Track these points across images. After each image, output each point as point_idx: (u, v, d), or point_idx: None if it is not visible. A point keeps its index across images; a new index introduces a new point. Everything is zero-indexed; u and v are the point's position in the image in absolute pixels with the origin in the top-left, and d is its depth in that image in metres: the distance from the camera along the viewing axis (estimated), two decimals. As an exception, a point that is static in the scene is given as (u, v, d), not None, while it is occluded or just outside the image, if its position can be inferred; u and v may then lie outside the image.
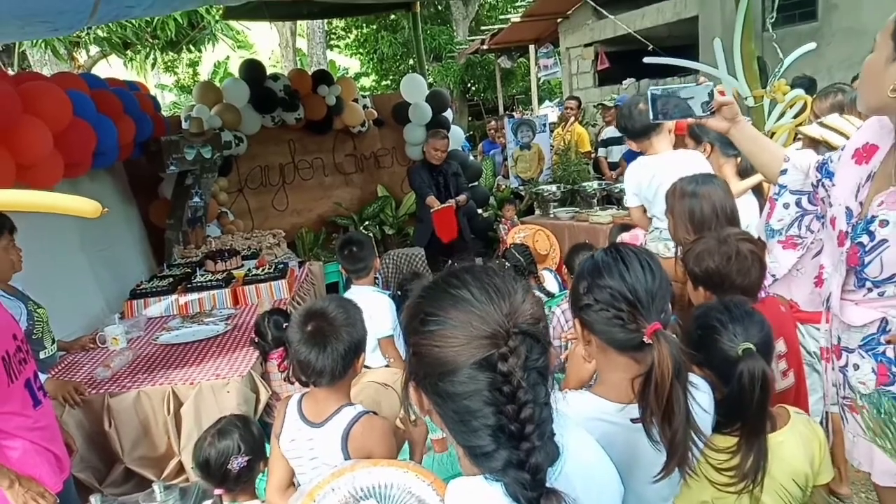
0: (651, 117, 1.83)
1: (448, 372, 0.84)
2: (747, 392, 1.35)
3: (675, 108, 1.78)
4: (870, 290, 1.55)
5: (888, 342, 1.54)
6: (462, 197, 5.55)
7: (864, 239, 1.52)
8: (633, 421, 1.17)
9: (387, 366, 2.90)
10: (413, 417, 1.96)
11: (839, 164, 1.65)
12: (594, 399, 1.27)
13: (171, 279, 4.10)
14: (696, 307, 1.62)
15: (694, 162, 2.66)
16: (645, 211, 2.92)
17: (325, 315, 1.69)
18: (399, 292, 4.00)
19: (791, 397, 1.76)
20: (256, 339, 3.06)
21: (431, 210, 5.32)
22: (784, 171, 1.79)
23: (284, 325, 2.93)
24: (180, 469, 2.75)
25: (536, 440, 0.83)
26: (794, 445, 1.49)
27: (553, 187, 5.74)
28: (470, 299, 0.86)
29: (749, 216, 2.60)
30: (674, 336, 1.13)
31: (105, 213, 1.67)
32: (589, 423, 1.17)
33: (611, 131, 6.68)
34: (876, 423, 1.23)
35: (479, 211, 6.63)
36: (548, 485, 0.84)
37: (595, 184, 5.57)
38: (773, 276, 1.85)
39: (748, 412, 1.38)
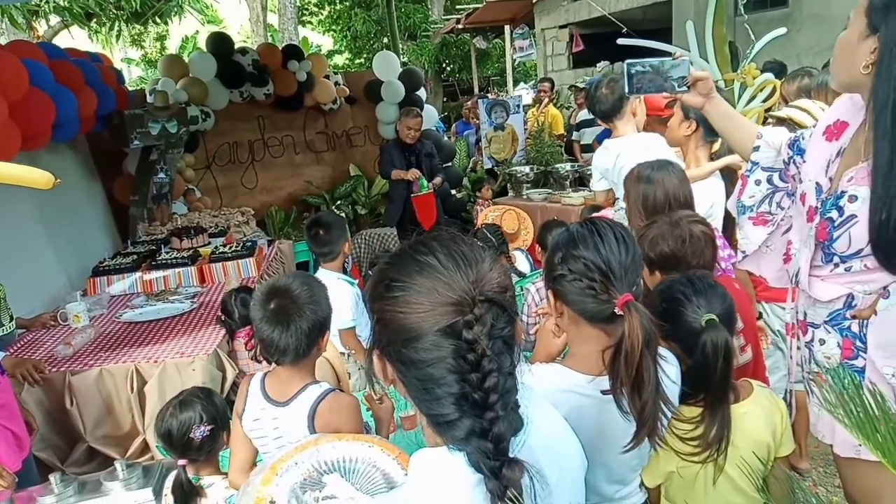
0: (626, 91, 1.82)
1: (412, 338, 0.83)
2: (711, 362, 1.38)
3: (650, 82, 1.78)
4: (836, 265, 1.58)
5: (853, 317, 1.57)
6: (437, 179, 5.53)
7: (834, 214, 1.53)
8: (604, 393, 1.18)
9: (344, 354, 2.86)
10: (378, 395, 1.95)
11: (810, 140, 1.67)
12: (565, 371, 1.28)
13: (135, 256, 4.02)
14: (658, 283, 1.64)
15: (655, 145, 2.69)
16: (609, 193, 2.95)
17: (289, 292, 1.65)
18: (370, 272, 3.97)
19: (749, 372, 1.79)
20: (223, 318, 3.02)
21: (413, 195, 5.29)
22: (757, 148, 1.80)
23: (252, 303, 2.89)
24: (145, 447, 2.72)
25: (500, 409, 0.82)
26: (756, 417, 1.52)
27: (526, 168, 5.74)
28: (436, 265, 0.84)
29: (714, 197, 2.64)
30: (644, 308, 1.13)
31: (57, 185, 1.61)
32: (559, 396, 1.18)
33: (584, 114, 6.69)
34: (836, 396, 1.25)
35: (453, 192, 6.61)
36: (511, 455, 0.83)
37: (568, 166, 5.60)
38: (744, 252, 1.87)
39: (712, 382, 1.40)
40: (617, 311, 1.14)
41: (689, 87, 1.79)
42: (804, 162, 1.67)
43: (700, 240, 1.79)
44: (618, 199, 2.86)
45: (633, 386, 1.10)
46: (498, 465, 0.81)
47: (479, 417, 0.82)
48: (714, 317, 1.42)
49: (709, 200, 2.58)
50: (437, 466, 0.86)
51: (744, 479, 1.47)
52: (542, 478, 0.85)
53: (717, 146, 2.82)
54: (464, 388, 0.82)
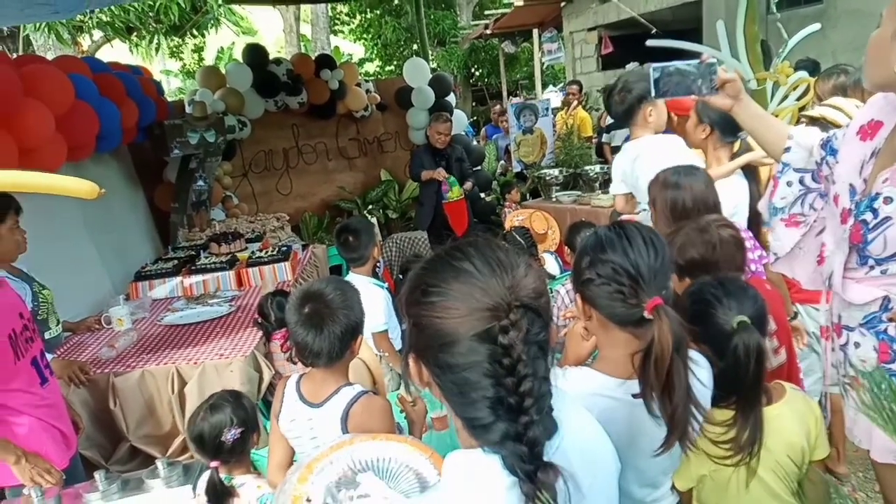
0: (653, 94, 1.81)
1: (448, 343, 0.84)
2: (743, 364, 1.36)
3: (676, 85, 1.76)
4: (872, 267, 1.55)
5: (890, 320, 1.54)
6: (468, 184, 5.55)
7: (868, 216, 1.51)
8: (634, 396, 1.17)
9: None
10: (411, 398, 1.98)
11: (843, 140, 1.64)
12: (595, 375, 1.28)
13: (175, 261, 4.13)
14: (689, 285, 1.63)
15: (673, 147, 2.66)
16: (629, 198, 2.93)
17: (323, 297, 1.69)
18: (401, 275, 4.01)
19: (784, 374, 1.77)
20: (260, 320, 3.09)
21: (444, 202, 5.31)
22: (788, 149, 1.77)
23: (287, 307, 2.95)
24: (185, 447, 2.78)
25: (535, 414, 0.83)
26: (789, 419, 1.50)
27: (555, 171, 5.73)
28: (472, 271, 0.86)
29: (737, 197, 2.61)
30: (674, 312, 1.13)
31: (102, 195, 1.67)
32: (590, 399, 1.17)
33: None
34: (873, 399, 1.24)
35: (482, 195, 6.63)
36: (545, 459, 0.84)
37: (597, 167, 5.56)
38: (776, 254, 1.84)
39: (744, 385, 1.39)
40: (646, 315, 1.13)
41: (716, 90, 1.78)
42: (837, 163, 1.64)
43: (730, 244, 1.77)
44: (640, 202, 2.84)
45: (663, 390, 1.10)
46: (533, 468, 0.82)
47: (514, 421, 0.83)
48: (745, 319, 1.41)
49: (733, 201, 2.55)
50: (473, 468, 0.87)
51: (777, 482, 1.45)
52: (575, 482, 0.86)
53: (737, 146, 2.78)
54: (499, 392, 0.83)
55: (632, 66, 9.36)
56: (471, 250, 0.89)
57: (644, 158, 2.64)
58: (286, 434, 1.77)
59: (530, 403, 0.83)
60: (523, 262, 0.89)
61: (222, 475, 1.91)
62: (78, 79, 3.59)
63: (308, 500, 1.31)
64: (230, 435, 1.88)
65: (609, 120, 6.69)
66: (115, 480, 2.16)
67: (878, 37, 1.48)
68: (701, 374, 1.28)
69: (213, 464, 1.89)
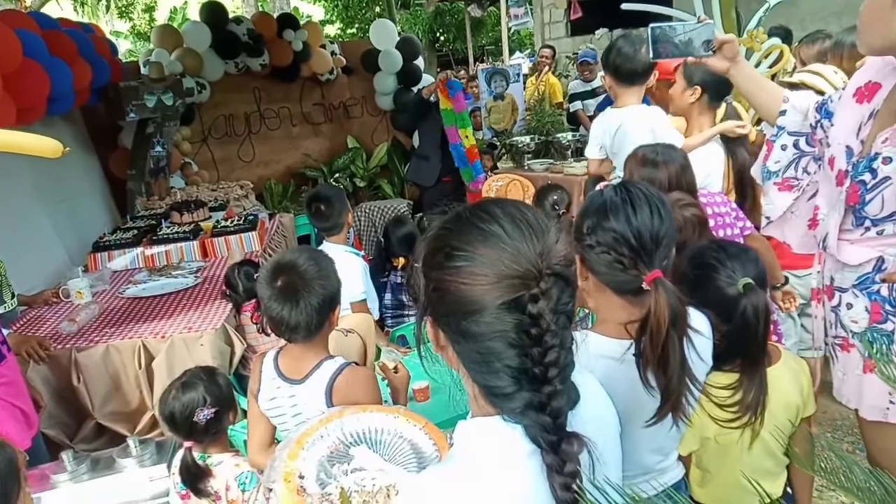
0: (650, 56, 1.76)
1: (473, 311, 0.79)
2: (752, 326, 1.36)
3: (674, 47, 1.72)
4: (868, 228, 1.56)
5: (883, 280, 1.56)
6: None
7: (867, 177, 1.51)
8: (635, 355, 1.15)
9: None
10: (393, 364, 1.92)
11: (839, 103, 1.63)
12: (596, 337, 1.26)
13: (135, 231, 3.96)
14: (687, 249, 1.61)
15: (657, 119, 2.64)
16: (604, 163, 2.90)
17: (296, 268, 1.61)
18: (382, 238, 3.92)
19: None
20: (228, 292, 2.98)
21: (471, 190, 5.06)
22: (783, 112, 1.76)
23: (255, 275, 2.85)
24: (154, 423, 2.69)
25: (559, 384, 0.79)
26: (788, 379, 1.52)
27: (527, 139, 5.65)
28: (501, 235, 0.80)
29: (710, 166, 2.61)
30: (672, 286, 1.10)
31: (66, 153, 1.55)
32: (592, 361, 1.16)
33: (576, 85, 6.57)
34: (866, 361, 1.24)
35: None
36: (568, 429, 0.81)
37: (569, 135, 5.50)
38: (768, 217, 1.85)
39: (752, 347, 1.38)
40: (645, 286, 1.11)
41: (713, 52, 1.73)
42: (832, 125, 1.63)
43: (692, 224, 1.77)
44: (615, 167, 2.81)
45: (658, 363, 1.08)
46: (556, 439, 0.79)
47: (538, 391, 0.79)
48: (751, 280, 1.40)
49: (705, 168, 2.55)
50: (491, 435, 0.84)
51: (775, 441, 1.48)
52: (595, 448, 0.83)
53: (721, 113, 2.77)
54: (524, 362, 0.79)
55: (601, 31, 9.32)
56: (498, 211, 0.83)
57: (626, 130, 2.61)
58: (267, 413, 1.70)
59: (555, 373, 0.79)
60: (554, 227, 0.83)
61: (198, 453, 1.84)
62: (26, 35, 3.35)
63: (301, 477, 1.26)
64: (203, 415, 1.80)
65: (573, 89, 6.60)
66: (84, 460, 2.07)
67: (875, 5, 1.46)
68: (701, 344, 1.25)
69: (187, 444, 1.81)
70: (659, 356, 1.07)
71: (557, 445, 0.79)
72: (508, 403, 0.82)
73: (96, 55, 4.31)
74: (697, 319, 1.25)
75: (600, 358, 1.20)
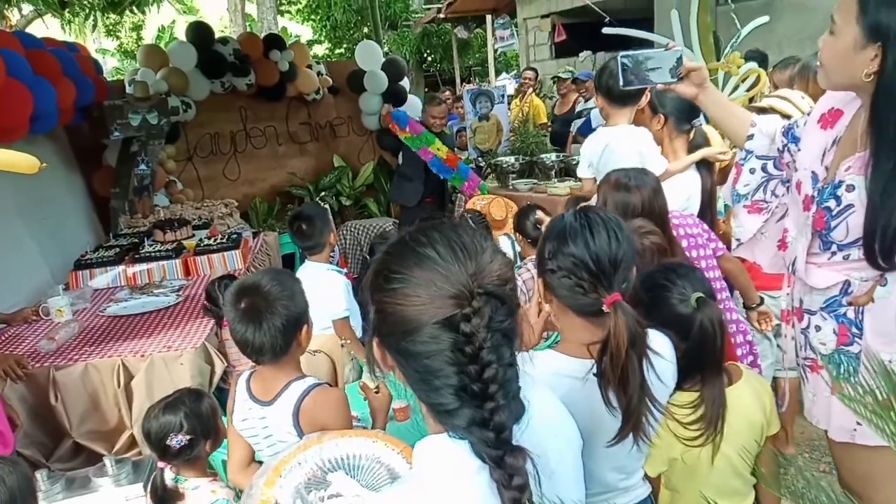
0: (621, 83, 1.81)
1: (410, 331, 0.82)
2: (710, 339, 1.40)
3: (645, 73, 1.77)
4: (834, 253, 1.58)
5: (850, 304, 1.59)
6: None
7: (831, 203, 1.54)
8: (596, 375, 1.19)
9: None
10: (374, 385, 1.92)
11: (805, 129, 1.67)
12: (557, 356, 1.29)
13: (117, 249, 3.95)
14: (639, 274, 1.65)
15: (643, 140, 2.68)
16: (595, 182, 2.94)
17: (259, 289, 1.60)
18: (368, 255, 3.93)
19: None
20: (208, 306, 2.97)
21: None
22: (751, 137, 1.80)
23: (223, 303, 2.85)
24: (132, 443, 2.68)
25: (501, 399, 0.82)
26: (749, 397, 1.55)
27: (511, 159, 5.72)
28: (434, 257, 0.84)
29: (689, 189, 2.65)
30: (631, 309, 1.14)
31: (43, 168, 1.56)
32: (553, 380, 1.19)
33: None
34: (833, 383, 1.27)
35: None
36: (514, 442, 0.83)
37: (553, 156, 5.57)
38: (738, 240, 1.88)
39: (709, 360, 1.42)
40: (605, 309, 1.15)
41: (681, 78, 1.78)
42: (799, 150, 1.67)
43: (652, 251, 1.80)
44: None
45: (618, 383, 1.11)
46: (500, 454, 0.81)
47: (480, 407, 0.81)
48: (702, 295, 1.44)
49: (685, 192, 2.59)
50: (439, 453, 0.86)
51: (740, 460, 1.50)
52: (546, 462, 0.85)
53: (691, 135, 2.82)
54: (462, 380, 0.81)
55: (584, 54, 9.47)
56: (435, 235, 0.87)
57: (613, 149, 2.64)
58: (241, 433, 1.71)
59: (495, 389, 0.81)
60: (490, 248, 0.87)
61: (173, 475, 1.83)
62: (8, 54, 3.36)
63: None
64: (176, 440, 1.80)
65: (580, 106, 6.63)
66: (58, 480, 2.04)
67: (835, 46, 1.49)
68: (661, 366, 1.27)
69: (161, 464, 1.80)
70: (619, 376, 1.11)
71: (502, 460, 0.81)
72: (453, 420, 0.84)
73: (81, 74, 4.32)
74: (660, 342, 1.29)
75: (562, 377, 1.23)
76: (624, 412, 1.13)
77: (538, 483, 0.83)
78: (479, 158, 6.16)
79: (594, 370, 1.17)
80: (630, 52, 1.77)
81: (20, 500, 1.37)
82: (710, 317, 1.41)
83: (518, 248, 3.81)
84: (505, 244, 3.99)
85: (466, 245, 0.85)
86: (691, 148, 2.82)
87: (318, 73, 6.55)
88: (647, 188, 2.06)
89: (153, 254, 3.86)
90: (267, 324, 1.57)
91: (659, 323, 1.38)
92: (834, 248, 1.58)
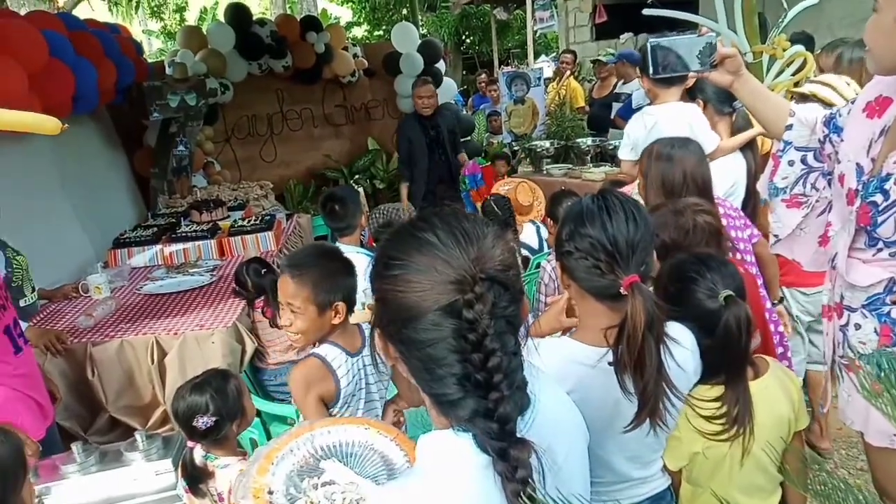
0: (651, 71, 1.75)
1: (411, 318, 0.80)
2: (735, 338, 1.36)
3: (676, 60, 1.70)
4: (880, 249, 1.51)
5: (894, 303, 1.51)
6: (462, 156, 5.39)
7: (878, 198, 1.46)
8: (611, 364, 1.17)
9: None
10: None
11: (849, 118, 1.58)
12: (573, 343, 1.27)
13: (155, 229, 4.03)
14: (664, 262, 1.60)
15: (693, 117, 2.59)
16: (636, 164, 2.87)
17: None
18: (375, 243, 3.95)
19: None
20: (237, 289, 3.02)
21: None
22: (789, 127, 1.72)
23: (263, 271, 2.90)
24: (165, 418, 2.74)
25: (505, 389, 0.80)
26: (777, 390, 1.51)
27: (546, 143, 5.64)
28: (435, 243, 0.82)
29: (736, 174, 2.56)
30: (649, 290, 1.13)
31: (65, 130, 1.58)
32: (566, 367, 1.19)
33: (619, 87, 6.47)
34: (873, 384, 1.21)
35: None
36: (518, 435, 0.81)
37: (589, 140, 5.49)
38: (776, 236, 1.80)
39: (734, 359, 1.39)
40: (622, 291, 1.13)
41: (715, 66, 1.71)
42: (842, 141, 1.59)
43: (704, 231, 1.73)
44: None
45: (634, 367, 1.09)
46: (504, 445, 0.79)
47: (484, 398, 0.80)
48: (732, 293, 1.39)
49: (731, 177, 2.50)
50: (444, 449, 0.84)
51: (766, 457, 1.46)
52: (551, 456, 0.84)
53: (734, 117, 2.73)
54: (466, 368, 0.79)
55: (626, 36, 9.24)
56: (435, 220, 0.85)
57: (662, 125, 2.57)
58: (348, 398, 1.79)
59: (500, 379, 0.79)
60: (491, 233, 0.84)
61: (203, 453, 1.87)
62: (52, 36, 3.44)
63: (270, 492, 1.26)
64: (202, 422, 1.83)
65: (619, 88, 6.46)
66: (93, 452, 2.10)
67: (882, 25, 1.42)
68: (681, 354, 1.25)
69: (190, 443, 1.84)
70: (635, 360, 1.09)
71: (506, 451, 0.79)
72: (456, 411, 0.82)
73: (121, 55, 4.41)
74: (679, 331, 1.26)
75: (574, 364, 1.22)
76: (640, 396, 1.10)
77: (542, 477, 0.82)
78: (514, 142, 6.09)
79: (609, 358, 1.15)
80: (659, 39, 1.71)
81: (11, 471, 1.38)
82: (738, 316, 1.36)
83: (546, 235, 3.76)
84: (530, 231, 3.92)
85: (467, 230, 0.83)
86: (734, 131, 2.74)
87: (354, 56, 6.56)
88: (690, 157, 1.99)
89: (189, 234, 3.93)
90: None
91: (684, 316, 1.35)
92: (881, 244, 1.50)
